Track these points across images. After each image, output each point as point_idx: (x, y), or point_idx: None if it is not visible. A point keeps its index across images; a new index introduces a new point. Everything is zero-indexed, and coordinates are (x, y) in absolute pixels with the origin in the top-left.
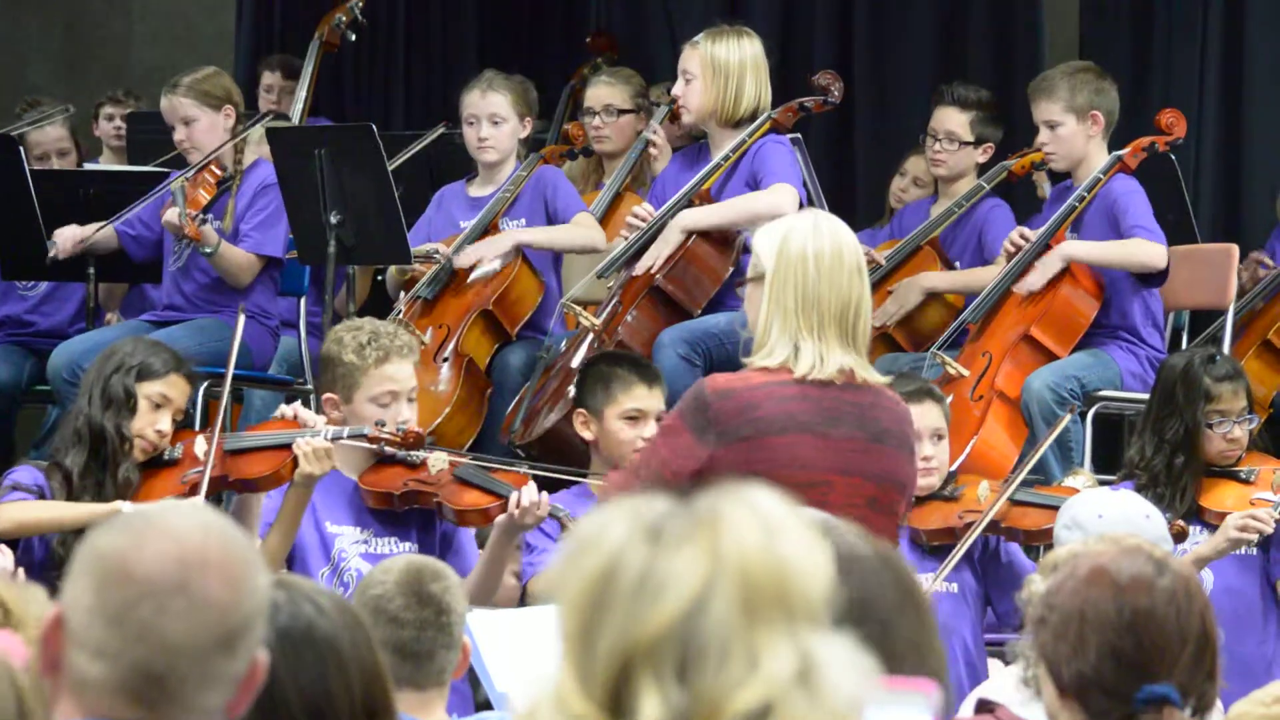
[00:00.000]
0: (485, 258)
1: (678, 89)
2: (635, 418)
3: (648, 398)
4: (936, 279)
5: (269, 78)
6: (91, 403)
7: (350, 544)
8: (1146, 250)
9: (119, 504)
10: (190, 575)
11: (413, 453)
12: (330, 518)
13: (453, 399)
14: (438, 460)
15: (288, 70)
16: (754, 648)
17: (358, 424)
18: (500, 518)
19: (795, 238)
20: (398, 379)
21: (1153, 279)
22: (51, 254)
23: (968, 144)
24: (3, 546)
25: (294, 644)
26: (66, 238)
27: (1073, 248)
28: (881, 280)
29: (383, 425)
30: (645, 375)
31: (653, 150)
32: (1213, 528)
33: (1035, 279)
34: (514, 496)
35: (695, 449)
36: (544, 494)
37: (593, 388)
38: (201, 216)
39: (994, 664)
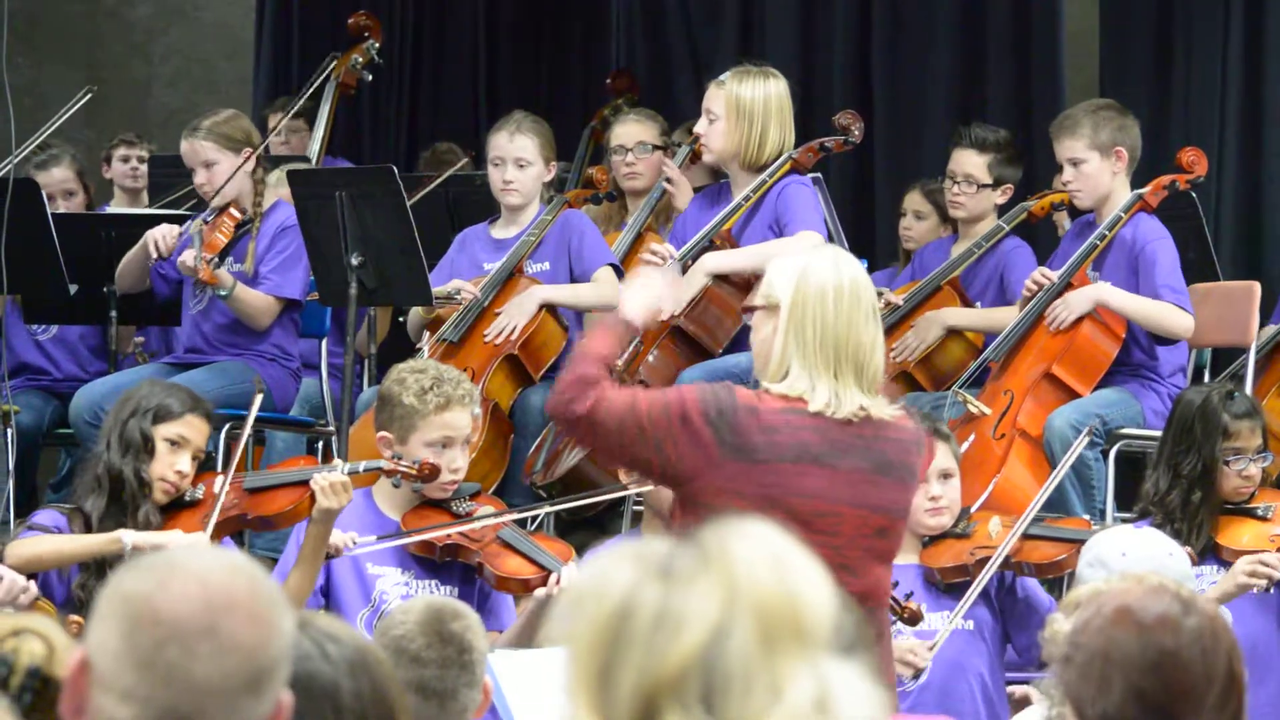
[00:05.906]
0: (518, 325)
1: (700, 127)
2: None
3: None
4: (958, 316)
5: (274, 120)
6: (110, 448)
7: (392, 585)
8: (1178, 320)
9: (120, 533)
10: (218, 617)
11: (457, 502)
12: (372, 559)
13: (478, 443)
14: (482, 513)
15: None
16: (776, 676)
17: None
18: (539, 591)
19: (815, 273)
20: (455, 426)
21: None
22: (155, 256)
23: (986, 186)
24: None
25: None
26: (166, 232)
27: (1107, 294)
28: (900, 320)
29: (399, 458)
30: None
31: (669, 186)
32: (1227, 565)
33: (1065, 314)
34: (559, 573)
35: (710, 450)
36: None
37: None
38: (216, 260)
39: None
